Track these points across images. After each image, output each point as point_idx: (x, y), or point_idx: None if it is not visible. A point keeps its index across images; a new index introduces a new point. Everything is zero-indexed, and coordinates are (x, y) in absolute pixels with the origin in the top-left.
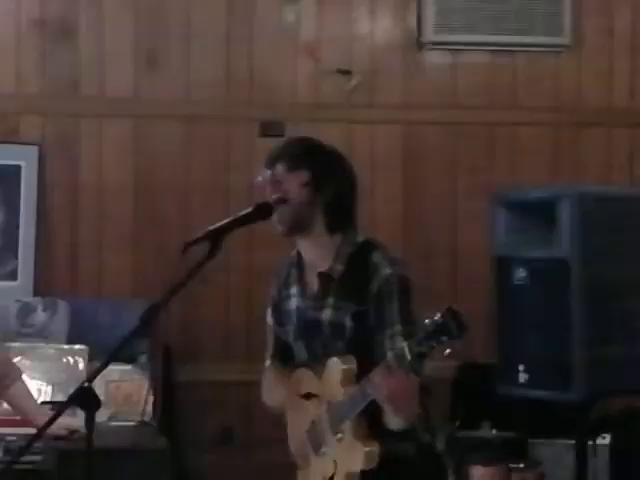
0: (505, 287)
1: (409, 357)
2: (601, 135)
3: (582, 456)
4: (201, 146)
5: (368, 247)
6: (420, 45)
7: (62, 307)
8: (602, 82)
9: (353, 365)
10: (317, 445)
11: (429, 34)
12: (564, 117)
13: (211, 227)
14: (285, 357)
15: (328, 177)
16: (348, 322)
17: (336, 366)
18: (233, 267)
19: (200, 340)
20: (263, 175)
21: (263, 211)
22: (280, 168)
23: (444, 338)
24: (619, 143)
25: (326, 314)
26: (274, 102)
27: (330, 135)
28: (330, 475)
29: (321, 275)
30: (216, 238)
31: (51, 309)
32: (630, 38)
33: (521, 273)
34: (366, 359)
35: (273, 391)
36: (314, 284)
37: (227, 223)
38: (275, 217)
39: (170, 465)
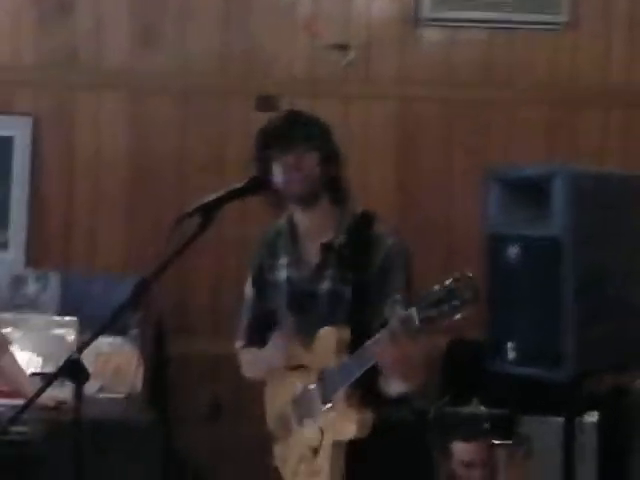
0: (497, 264)
1: (417, 322)
2: (597, 115)
3: (570, 433)
4: (197, 120)
5: (368, 218)
6: (417, 21)
7: (54, 279)
8: (599, 61)
9: (347, 334)
10: (302, 416)
11: (426, 10)
12: (560, 96)
13: (203, 201)
14: (261, 336)
15: (335, 153)
16: (347, 293)
17: (330, 335)
18: (226, 241)
19: (192, 314)
20: (282, 160)
21: (256, 185)
22: (298, 150)
23: (456, 302)
24: (615, 123)
25: (324, 285)
26: (270, 77)
27: (326, 110)
28: (316, 445)
29: (323, 246)
30: (208, 212)
31: (43, 281)
32: (628, 17)
33: (513, 251)
34: (363, 330)
35: (256, 366)
36: (312, 255)
37: (219, 197)
38: (290, 188)
39: (159, 438)
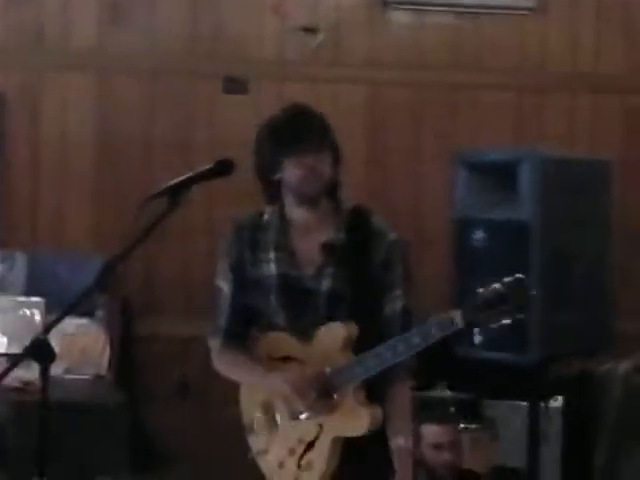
0: (464, 248)
1: (461, 325)
2: (564, 99)
3: (535, 417)
4: (165, 100)
5: (362, 212)
6: (386, 4)
7: (20, 259)
8: (566, 46)
9: (355, 331)
10: (296, 409)
11: None
12: (528, 80)
13: (170, 182)
14: (242, 327)
15: (339, 150)
16: (347, 291)
17: (336, 331)
18: (194, 224)
19: (160, 295)
20: (299, 160)
21: (223, 167)
22: (316, 151)
23: (506, 307)
24: (582, 108)
25: (325, 284)
26: (239, 58)
27: (294, 92)
28: (311, 439)
29: (325, 245)
30: (175, 194)
31: (9, 261)
32: (596, 3)
33: (480, 234)
34: (364, 326)
35: (248, 378)
36: (309, 253)
37: (186, 179)
38: (304, 187)
39: (126, 419)
